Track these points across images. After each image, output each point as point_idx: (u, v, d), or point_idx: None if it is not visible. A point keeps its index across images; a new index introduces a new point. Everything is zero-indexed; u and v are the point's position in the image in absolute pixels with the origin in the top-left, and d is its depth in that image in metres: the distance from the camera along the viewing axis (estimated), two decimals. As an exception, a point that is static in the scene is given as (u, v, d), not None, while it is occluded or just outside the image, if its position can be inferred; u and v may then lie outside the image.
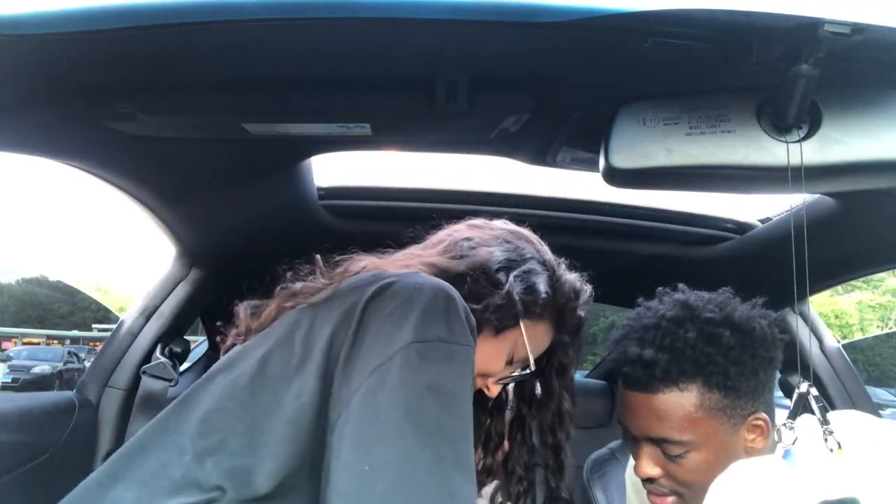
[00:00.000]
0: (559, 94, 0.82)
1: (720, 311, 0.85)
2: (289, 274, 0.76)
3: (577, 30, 0.62)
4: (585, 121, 0.89)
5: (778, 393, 1.09)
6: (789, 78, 0.61)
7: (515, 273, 0.77)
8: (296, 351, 0.60)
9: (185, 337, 1.64)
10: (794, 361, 0.83)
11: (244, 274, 1.75)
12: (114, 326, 1.59)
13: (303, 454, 0.56)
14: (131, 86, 0.79)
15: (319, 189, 1.37)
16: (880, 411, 2.48)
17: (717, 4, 0.55)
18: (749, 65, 0.60)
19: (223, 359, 0.66)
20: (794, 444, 0.85)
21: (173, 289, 1.55)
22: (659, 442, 0.86)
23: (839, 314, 15.48)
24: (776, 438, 0.87)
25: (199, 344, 2.11)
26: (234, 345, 0.70)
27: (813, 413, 0.81)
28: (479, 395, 0.83)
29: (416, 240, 0.85)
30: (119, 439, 1.43)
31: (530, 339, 0.81)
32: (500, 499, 0.94)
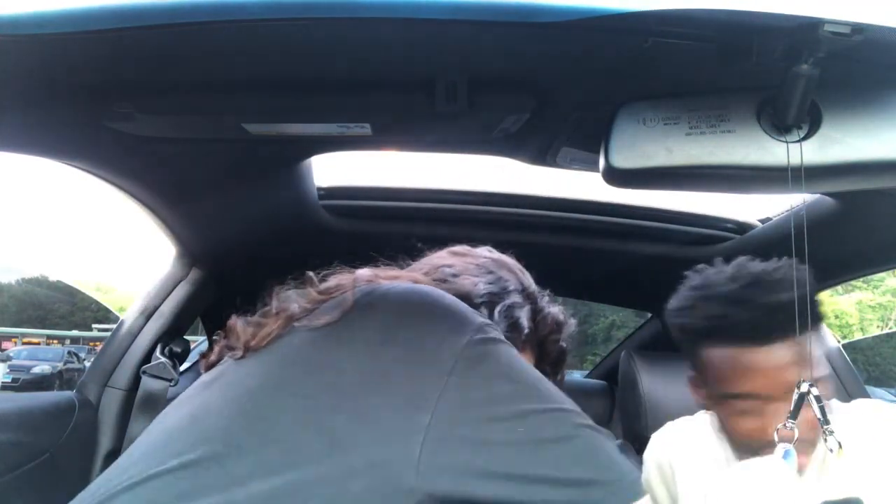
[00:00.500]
0: (559, 94, 0.82)
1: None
2: (283, 287, 0.73)
3: (577, 30, 0.62)
4: (585, 121, 0.89)
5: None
6: (789, 78, 0.61)
7: (498, 309, 0.75)
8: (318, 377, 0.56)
9: (185, 337, 1.64)
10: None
11: (244, 274, 1.76)
12: (114, 326, 1.59)
13: None
14: (131, 86, 0.79)
15: (319, 189, 1.37)
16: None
17: (717, 4, 0.55)
18: (749, 65, 0.60)
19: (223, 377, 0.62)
20: (794, 443, 0.85)
21: (173, 289, 1.55)
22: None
23: (839, 314, 15.50)
24: (775, 439, 0.87)
25: (199, 344, 2.11)
26: (220, 358, 0.67)
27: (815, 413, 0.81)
28: None
29: (395, 259, 0.83)
30: (119, 439, 1.43)
31: None
32: None
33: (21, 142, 0.93)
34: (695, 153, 0.67)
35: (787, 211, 1.31)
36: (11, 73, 0.71)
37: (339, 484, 0.48)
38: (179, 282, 1.55)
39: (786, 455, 0.81)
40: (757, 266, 0.94)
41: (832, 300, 14.76)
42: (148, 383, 1.48)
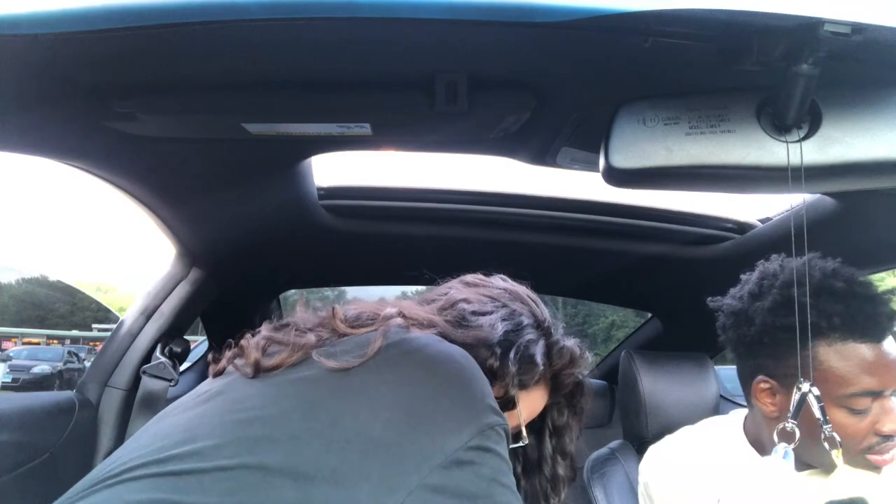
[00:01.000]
0: (559, 94, 0.82)
1: None
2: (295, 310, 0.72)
3: (577, 30, 0.62)
4: (585, 121, 0.89)
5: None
6: (789, 78, 0.61)
7: (514, 349, 0.74)
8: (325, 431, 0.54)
9: (185, 337, 1.64)
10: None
11: (244, 274, 1.76)
12: (114, 326, 1.59)
13: None
14: (131, 86, 0.79)
15: (319, 189, 1.37)
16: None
17: (717, 4, 0.55)
18: (749, 65, 0.60)
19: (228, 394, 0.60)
20: (795, 443, 0.85)
21: (173, 289, 1.55)
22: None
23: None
24: (775, 439, 0.87)
25: (199, 344, 2.11)
26: (222, 370, 0.66)
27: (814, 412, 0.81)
28: None
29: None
30: (119, 439, 1.43)
31: (524, 407, 0.79)
32: None
33: (21, 142, 0.93)
34: (695, 153, 0.67)
35: (787, 211, 1.31)
36: (11, 73, 0.71)
37: None
38: (179, 282, 1.55)
39: (786, 455, 0.81)
40: (829, 261, 0.93)
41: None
42: (148, 383, 1.48)
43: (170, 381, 1.50)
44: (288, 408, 0.55)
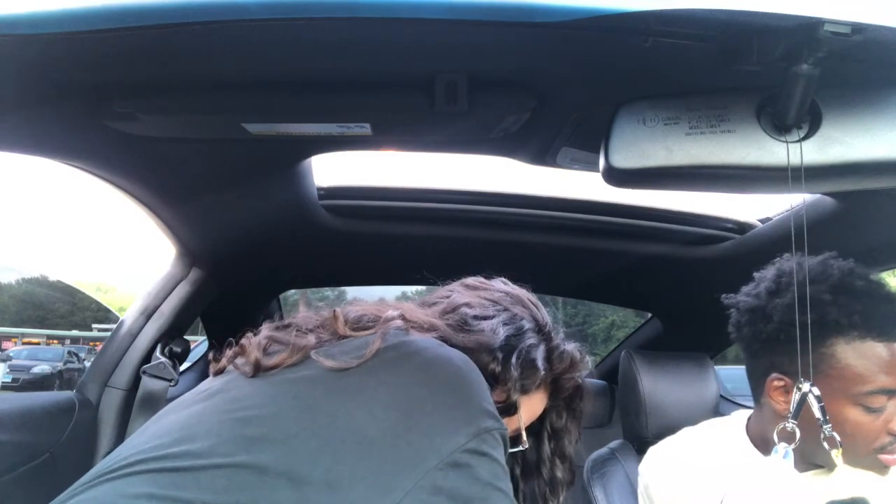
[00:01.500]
0: (559, 94, 0.82)
1: None
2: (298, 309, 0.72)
3: (577, 30, 0.62)
4: (585, 121, 0.89)
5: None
6: (789, 78, 0.61)
7: (516, 354, 0.74)
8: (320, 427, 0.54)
9: (185, 337, 1.64)
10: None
11: (244, 274, 1.76)
12: (114, 326, 1.59)
13: None
14: (131, 86, 0.79)
15: (319, 189, 1.37)
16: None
17: (717, 4, 0.55)
18: (749, 65, 0.60)
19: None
20: (795, 443, 0.85)
21: (173, 289, 1.55)
22: None
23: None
24: (775, 439, 0.87)
25: (199, 344, 2.11)
26: (223, 369, 0.66)
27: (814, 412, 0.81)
28: None
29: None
30: (119, 439, 1.43)
31: (525, 411, 0.79)
32: None
33: (21, 142, 0.93)
34: (695, 153, 0.67)
35: (787, 211, 1.31)
36: (11, 72, 0.71)
37: None
38: (179, 282, 1.55)
39: (787, 455, 0.81)
40: (846, 261, 0.93)
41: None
42: (148, 383, 1.48)
43: (170, 381, 1.50)
44: (285, 407, 0.55)
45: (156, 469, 0.51)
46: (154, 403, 1.47)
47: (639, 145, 0.68)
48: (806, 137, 0.66)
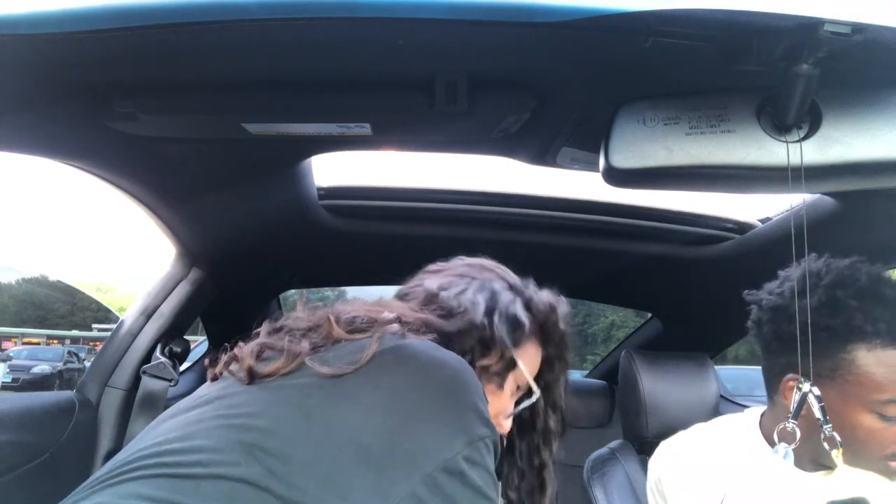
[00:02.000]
0: (559, 94, 0.82)
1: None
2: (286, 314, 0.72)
3: (577, 30, 0.62)
4: (585, 121, 0.89)
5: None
6: (789, 78, 0.61)
7: (497, 314, 0.76)
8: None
9: (185, 337, 1.64)
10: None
11: (244, 274, 1.76)
12: (114, 326, 1.59)
13: None
14: (131, 86, 0.79)
15: (319, 189, 1.37)
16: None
17: (717, 4, 0.55)
18: (749, 65, 0.60)
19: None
20: (795, 443, 0.85)
21: (173, 289, 1.55)
22: None
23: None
24: (776, 439, 0.87)
25: (199, 344, 2.11)
26: (219, 375, 0.67)
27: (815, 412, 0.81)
28: None
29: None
30: (119, 439, 1.43)
31: (525, 364, 0.81)
32: None
33: (21, 142, 0.93)
34: (695, 153, 0.67)
35: (787, 211, 1.31)
36: (11, 73, 0.71)
37: None
38: (179, 282, 1.55)
39: (787, 455, 0.81)
40: (875, 265, 0.93)
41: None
42: (148, 383, 1.48)
43: (170, 381, 1.50)
44: (282, 414, 0.56)
45: (157, 474, 0.51)
46: (154, 403, 1.47)
47: (639, 145, 0.68)
48: (806, 137, 0.66)
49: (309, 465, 0.51)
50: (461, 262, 0.86)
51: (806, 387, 0.78)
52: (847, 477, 0.94)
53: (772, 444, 1.02)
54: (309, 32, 0.64)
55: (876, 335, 0.87)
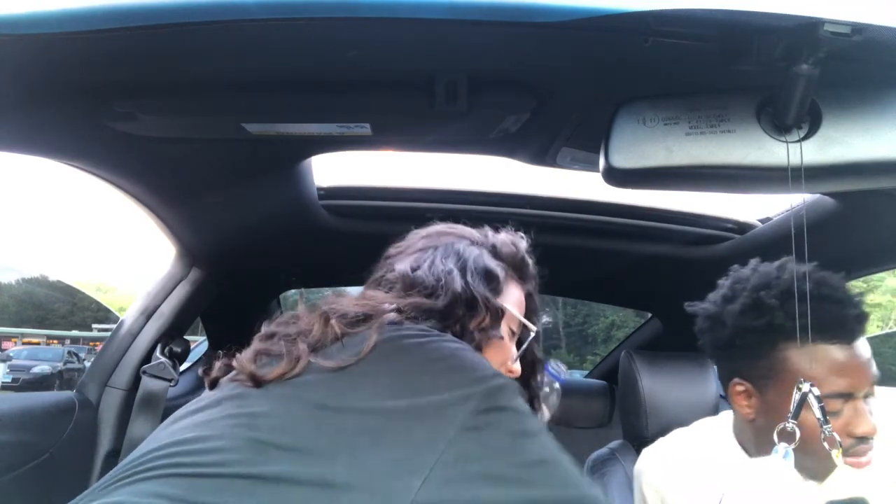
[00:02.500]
0: (559, 94, 0.82)
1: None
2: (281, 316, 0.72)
3: (577, 30, 0.62)
4: (585, 121, 0.89)
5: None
6: (789, 78, 0.61)
7: (470, 272, 0.77)
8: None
9: (185, 337, 1.64)
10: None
11: (244, 274, 1.76)
12: (114, 326, 1.59)
13: None
14: (131, 86, 0.79)
15: (319, 189, 1.37)
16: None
17: (717, 4, 0.55)
18: (749, 65, 0.60)
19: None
20: (795, 443, 0.85)
21: (173, 289, 1.55)
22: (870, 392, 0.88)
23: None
24: (775, 439, 0.87)
25: (199, 344, 2.12)
26: (218, 378, 0.67)
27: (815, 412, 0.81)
28: None
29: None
30: (119, 439, 1.43)
31: (513, 306, 0.83)
32: None
33: (21, 142, 0.93)
34: (695, 153, 0.67)
35: (787, 211, 1.31)
36: (11, 73, 0.71)
37: None
38: (179, 282, 1.55)
39: (787, 455, 0.81)
40: (803, 265, 0.93)
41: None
42: (148, 383, 1.48)
43: (170, 381, 1.50)
44: (292, 411, 0.56)
45: (172, 474, 0.52)
46: (154, 403, 1.47)
47: (639, 145, 0.68)
48: (806, 137, 0.66)
49: (328, 460, 0.51)
50: (417, 236, 0.87)
51: (806, 387, 0.78)
52: (843, 475, 0.94)
53: (744, 448, 1.02)
54: (309, 32, 0.64)
55: (802, 332, 0.88)
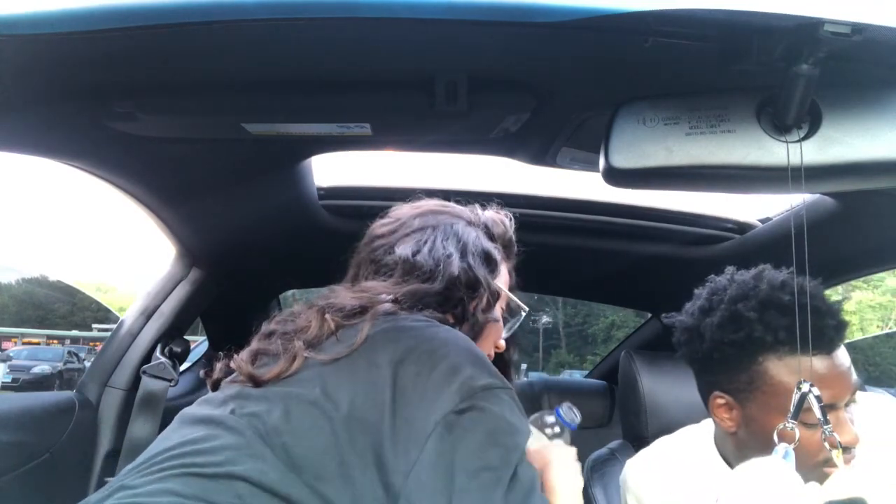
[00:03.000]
0: (559, 94, 0.82)
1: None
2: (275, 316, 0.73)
3: (577, 30, 0.62)
4: (585, 121, 0.89)
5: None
6: (789, 78, 0.61)
7: (471, 257, 0.78)
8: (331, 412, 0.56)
9: (185, 337, 1.64)
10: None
11: (244, 274, 1.76)
12: (114, 326, 1.59)
13: None
14: (131, 86, 0.79)
15: (319, 189, 1.37)
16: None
17: (717, 4, 0.55)
18: (749, 65, 0.60)
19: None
20: (795, 443, 0.85)
21: (173, 289, 1.55)
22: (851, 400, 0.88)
23: (839, 314, 15.45)
24: (776, 439, 0.87)
25: (199, 344, 2.11)
26: (220, 379, 0.68)
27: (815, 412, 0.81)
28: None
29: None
30: (119, 439, 1.43)
31: (505, 285, 0.85)
32: None
33: (21, 142, 0.93)
34: (695, 153, 0.67)
35: (787, 211, 1.31)
36: (11, 73, 0.71)
37: None
38: (179, 282, 1.55)
39: (786, 455, 0.81)
40: (779, 273, 0.91)
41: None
42: (148, 383, 1.48)
43: (170, 381, 1.50)
44: (291, 409, 0.57)
45: (183, 473, 0.53)
46: (154, 404, 1.47)
47: (639, 145, 0.68)
48: (806, 137, 0.66)
49: (323, 453, 0.53)
50: (410, 213, 0.86)
51: (805, 387, 0.78)
52: (842, 475, 0.94)
53: (728, 461, 1.01)
54: (309, 32, 0.64)
55: (779, 343, 0.87)
